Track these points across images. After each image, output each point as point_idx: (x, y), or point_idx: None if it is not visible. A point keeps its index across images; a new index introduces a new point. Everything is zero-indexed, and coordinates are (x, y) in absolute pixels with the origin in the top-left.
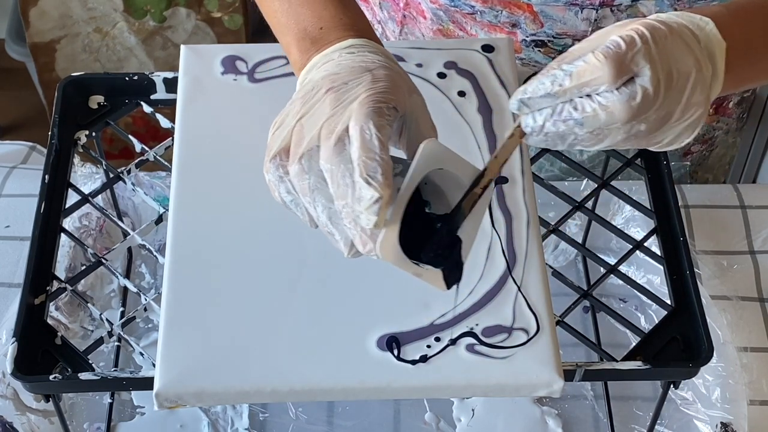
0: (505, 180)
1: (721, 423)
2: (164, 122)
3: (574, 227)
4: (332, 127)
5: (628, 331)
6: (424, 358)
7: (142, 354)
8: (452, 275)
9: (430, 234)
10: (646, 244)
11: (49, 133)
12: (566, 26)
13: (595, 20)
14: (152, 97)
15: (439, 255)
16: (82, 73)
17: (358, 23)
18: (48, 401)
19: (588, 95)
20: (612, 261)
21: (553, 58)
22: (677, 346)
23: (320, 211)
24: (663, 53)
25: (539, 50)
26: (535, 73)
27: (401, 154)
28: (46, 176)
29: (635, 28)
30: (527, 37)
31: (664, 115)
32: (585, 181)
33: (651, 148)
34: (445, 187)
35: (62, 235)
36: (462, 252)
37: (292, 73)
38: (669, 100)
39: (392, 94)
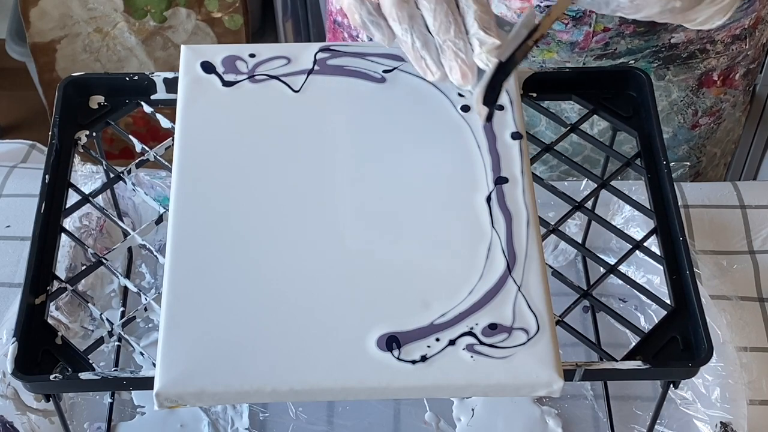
0: (505, 180)
1: (721, 423)
2: (164, 122)
3: (574, 227)
4: None
5: (627, 331)
6: (423, 358)
7: (142, 354)
8: (491, 114)
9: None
10: (645, 244)
11: (50, 133)
12: None
13: None
14: (152, 97)
15: (489, 95)
16: (83, 73)
17: None
18: (48, 401)
19: None
20: (612, 261)
21: (567, 24)
22: (677, 346)
23: (415, 37)
24: None
25: (566, 68)
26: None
27: None
28: (47, 176)
29: None
30: (541, 2)
31: None
32: (585, 181)
33: (685, 25)
34: None
35: (62, 235)
36: (500, 95)
37: (292, 73)
38: None
39: None
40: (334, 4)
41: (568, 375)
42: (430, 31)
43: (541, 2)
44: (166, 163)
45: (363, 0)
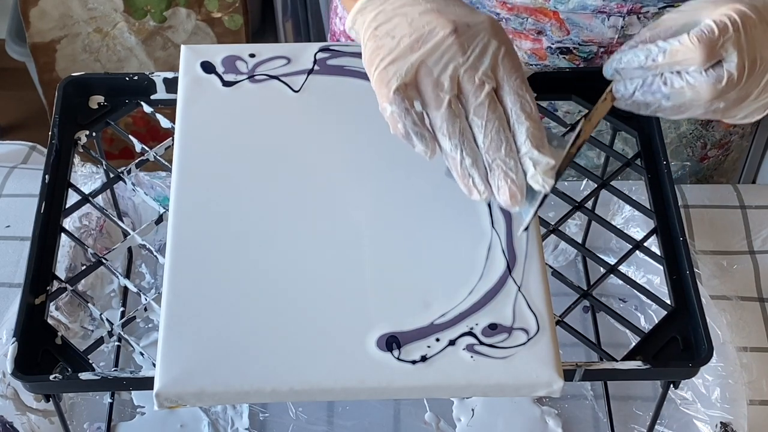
0: None
1: (721, 423)
2: (164, 122)
3: (574, 227)
4: (476, 77)
5: (627, 331)
6: (423, 358)
7: (142, 354)
8: (530, 223)
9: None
10: (645, 244)
11: (50, 133)
12: (593, 34)
13: (622, 27)
14: (152, 97)
15: (530, 199)
16: (83, 73)
17: None
18: (48, 401)
19: (677, 71)
20: (612, 261)
21: (578, 65)
22: (677, 346)
23: (465, 154)
24: (750, 41)
25: (564, 57)
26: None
27: None
28: (46, 176)
29: (728, 14)
30: (552, 44)
31: (743, 96)
32: (585, 181)
33: (725, 120)
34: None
35: (62, 235)
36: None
37: (292, 73)
38: (749, 83)
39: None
40: (337, 26)
41: (568, 375)
42: (478, 146)
43: (552, 44)
44: (166, 163)
45: (408, 110)
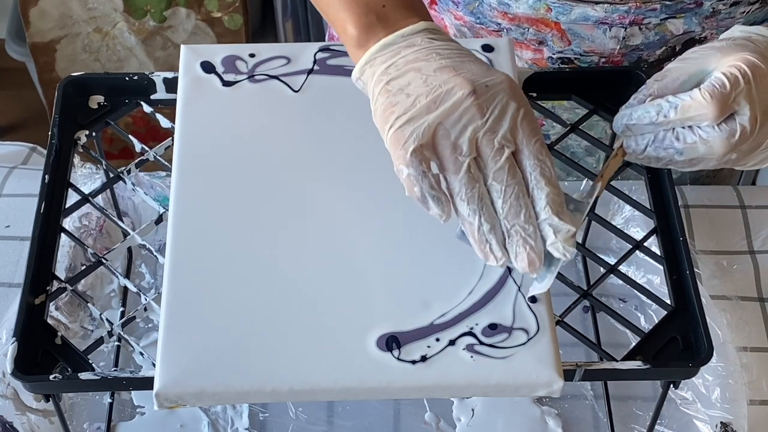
0: None
1: (721, 423)
2: (164, 122)
3: None
4: (495, 141)
5: (627, 331)
6: (423, 358)
7: (142, 354)
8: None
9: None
10: (646, 244)
11: (49, 133)
12: (594, 44)
13: (624, 38)
14: (152, 97)
15: (547, 265)
16: (82, 72)
17: (419, 4)
18: (48, 401)
19: (689, 126)
20: (612, 261)
21: None
22: (677, 345)
23: (483, 220)
24: (762, 92)
25: (565, 67)
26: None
27: None
28: (46, 176)
29: (738, 66)
30: (554, 54)
31: (754, 146)
32: (585, 181)
33: (735, 168)
34: None
35: (62, 235)
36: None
37: (292, 73)
38: (762, 133)
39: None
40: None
41: (568, 375)
42: (495, 211)
43: (554, 54)
44: (166, 163)
45: (425, 172)
